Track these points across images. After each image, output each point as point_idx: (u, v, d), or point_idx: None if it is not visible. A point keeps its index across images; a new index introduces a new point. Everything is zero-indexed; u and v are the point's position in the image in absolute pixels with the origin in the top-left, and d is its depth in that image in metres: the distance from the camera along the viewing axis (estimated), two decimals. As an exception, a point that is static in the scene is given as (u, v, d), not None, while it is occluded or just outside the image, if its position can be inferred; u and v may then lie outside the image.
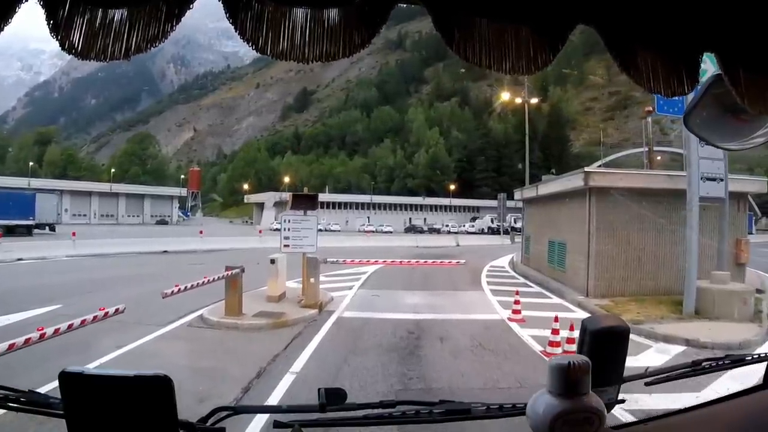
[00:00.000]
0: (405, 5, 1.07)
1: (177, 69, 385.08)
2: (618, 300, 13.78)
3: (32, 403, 1.37)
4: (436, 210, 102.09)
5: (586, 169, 14.61)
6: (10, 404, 1.37)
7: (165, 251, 29.34)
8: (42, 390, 1.62)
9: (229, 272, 10.22)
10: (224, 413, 1.35)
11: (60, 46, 0.92)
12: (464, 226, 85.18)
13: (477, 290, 15.96)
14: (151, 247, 29.64)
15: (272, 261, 12.45)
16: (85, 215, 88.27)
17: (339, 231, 77.69)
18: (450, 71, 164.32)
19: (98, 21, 0.92)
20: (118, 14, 0.93)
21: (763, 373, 1.62)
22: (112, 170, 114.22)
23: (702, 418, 1.56)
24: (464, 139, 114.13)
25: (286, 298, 12.89)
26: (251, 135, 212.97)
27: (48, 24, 0.91)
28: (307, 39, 0.96)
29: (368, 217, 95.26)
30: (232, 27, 0.94)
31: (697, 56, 1.12)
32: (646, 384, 1.58)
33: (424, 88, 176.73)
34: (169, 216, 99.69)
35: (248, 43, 0.95)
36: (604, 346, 1.29)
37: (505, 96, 36.45)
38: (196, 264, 22.13)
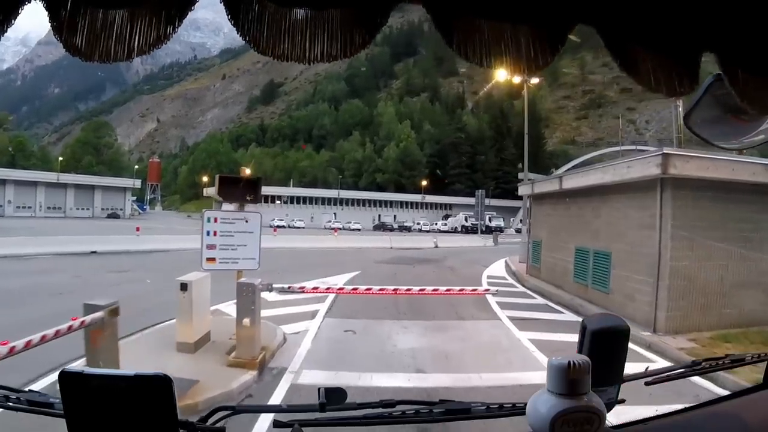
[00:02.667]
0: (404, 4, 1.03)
1: (143, 59, 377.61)
2: (700, 338, 9.53)
3: (32, 403, 1.38)
4: (406, 207, 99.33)
5: (665, 149, 10.10)
6: (10, 404, 1.39)
7: (94, 252, 24.17)
8: None
9: (78, 321, 5.18)
10: (224, 413, 1.34)
11: (64, 47, 0.93)
12: (436, 224, 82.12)
13: (491, 318, 11.31)
14: (78, 247, 24.29)
15: (183, 287, 7.59)
16: (30, 207, 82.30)
17: (303, 227, 74.35)
18: (420, 67, 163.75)
19: (99, 22, 0.93)
20: (119, 16, 0.94)
21: (763, 373, 1.61)
22: (60, 159, 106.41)
23: (702, 418, 1.55)
24: (436, 134, 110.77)
25: (211, 342, 8.11)
26: (216, 127, 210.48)
27: (51, 25, 0.92)
28: (307, 40, 0.96)
29: (335, 214, 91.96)
30: (234, 28, 0.96)
31: (697, 56, 1.12)
32: (646, 384, 1.58)
33: (394, 83, 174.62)
34: (121, 209, 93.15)
35: (250, 45, 0.97)
36: (604, 346, 1.28)
37: (501, 75, 32.20)
38: (118, 271, 17.51)
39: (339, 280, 16.22)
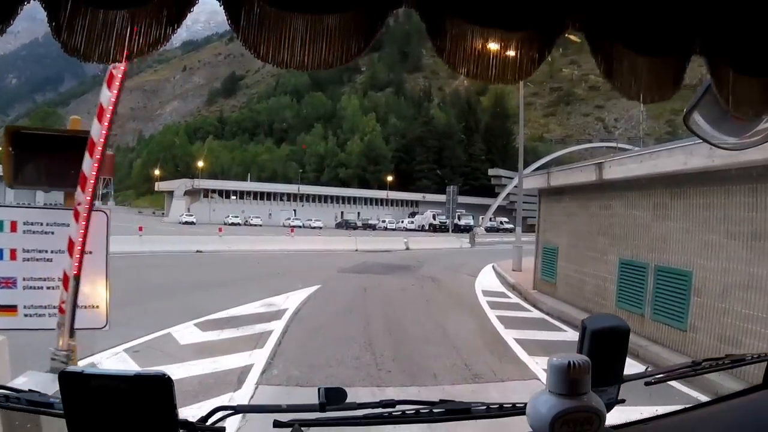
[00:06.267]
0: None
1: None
2: None
3: (32, 403, 1.38)
4: (370, 203, 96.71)
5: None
6: (10, 404, 1.39)
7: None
8: None
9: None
10: (224, 413, 1.35)
11: (63, 48, 0.93)
12: (402, 222, 78.81)
13: (523, 376, 7.13)
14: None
15: None
16: (-38, 206, 75.90)
17: (260, 225, 70.34)
18: (385, 61, 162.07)
19: (99, 23, 0.93)
20: (119, 16, 0.93)
21: (763, 372, 1.59)
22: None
23: (702, 418, 1.58)
24: (403, 128, 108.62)
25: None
26: (175, 120, 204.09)
27: (50, 25, 0.92)
28: (306, 47, 0.97)
29: (294, 210, 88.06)
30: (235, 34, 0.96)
31: (684, 61, 1.12)
32: (646, 384, 1.56)
33: (359, 78, 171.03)
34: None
35: (250, 51, 0.97)
36: (604, 346, 1.29)
37: (493, 46, 28.43)
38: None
39: (291, 301, 12.08)
